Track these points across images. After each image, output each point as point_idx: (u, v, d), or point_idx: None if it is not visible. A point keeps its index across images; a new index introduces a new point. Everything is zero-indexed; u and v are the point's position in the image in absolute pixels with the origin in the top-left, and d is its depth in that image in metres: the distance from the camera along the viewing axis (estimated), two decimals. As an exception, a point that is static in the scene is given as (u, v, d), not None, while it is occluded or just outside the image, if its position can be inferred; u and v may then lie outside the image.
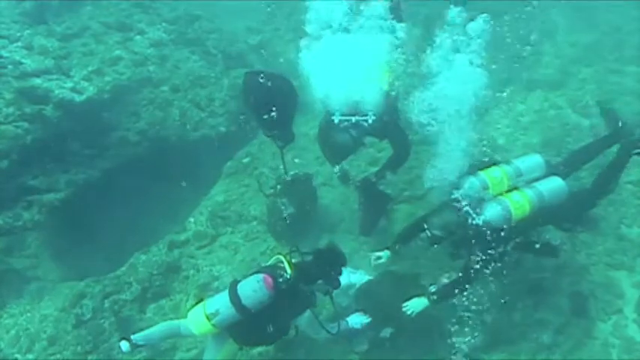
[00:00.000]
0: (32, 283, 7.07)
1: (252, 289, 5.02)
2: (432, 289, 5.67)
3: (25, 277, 7.13)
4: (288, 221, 7.02)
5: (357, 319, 5.75)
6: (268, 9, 8.49)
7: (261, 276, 5.10)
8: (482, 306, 6.39)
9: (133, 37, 8.34)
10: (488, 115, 9.31)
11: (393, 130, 6.22)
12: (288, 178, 7.19)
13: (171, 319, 6.40)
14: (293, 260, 5.36)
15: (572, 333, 6.20)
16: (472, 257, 5.41)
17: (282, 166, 6.99)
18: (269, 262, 5.53)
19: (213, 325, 5.02)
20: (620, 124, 6.05)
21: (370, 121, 5.78)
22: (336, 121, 5.80)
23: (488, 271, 5.60)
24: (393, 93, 5.97)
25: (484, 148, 5.94)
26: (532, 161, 5.67)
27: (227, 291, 5.14)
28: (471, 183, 5.36)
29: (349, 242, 7.32)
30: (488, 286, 6.55)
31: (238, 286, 5.10)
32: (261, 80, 5.97)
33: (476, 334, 6.16)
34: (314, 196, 7.51)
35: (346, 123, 5.79)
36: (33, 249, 8.00)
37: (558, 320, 6.29)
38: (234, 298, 5.00)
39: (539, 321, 6.30)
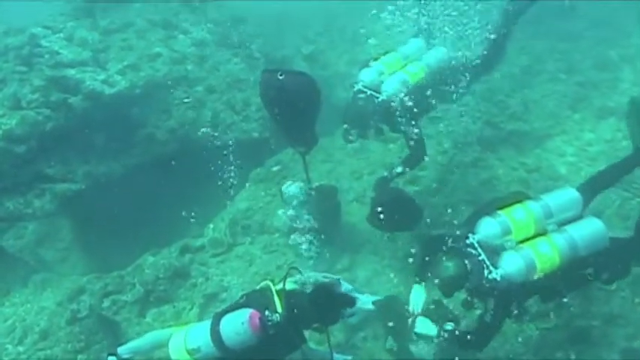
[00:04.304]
0: (39, 274, 6.91)
1: (236, 331, 4.42)
2: (448, 327, 4.85)
3: (32, 267, 6.99)
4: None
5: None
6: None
7: (246, 316, 4.46)
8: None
9: (177, 35, 8.27)
10: (550, 141, 8.37)
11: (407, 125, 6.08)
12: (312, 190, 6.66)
13: (169, 326, 6.04)
14: (288, 285, 4.76)
15: (619, 394, 5.20)
16: (487, 312, 4.57)
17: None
18: (259, 286, 4.94)
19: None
20: None
21: (380, 99, 5.99)
22: (355, 88, 6.14)
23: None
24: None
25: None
26: (566, 198, 4.66)
27: (209, 325, 4.62)
28: (490, 227, 4.46)
29: (371, 264, 6.74)
30: (523, 329, 5.76)
31: (221, 324, 4.51)
32: (279, 78, 5.53)
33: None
34: (338, 211, 6.92)
35: (361, 95, 6.08)
36: (66, 242, 8.03)
37: (603, 377, 5.33)
38: (216, 338, 4.45)
39: (580, 374, 5.37)
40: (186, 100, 7.77)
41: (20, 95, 6.65)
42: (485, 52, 6.64)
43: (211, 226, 7.43)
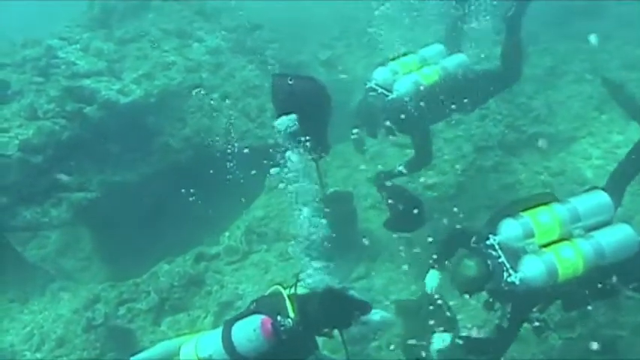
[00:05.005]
0: (56, 282, 6.98)
1: (248, 338, 4.32)
2: (463, 332, 4.70)
3: (51, 276, 7.07)
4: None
5: None
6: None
7: (258, 322, 4.36)
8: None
9: (191, 44, 8.32)
10: (576, 143, 8.08)
11: (414, 127, 6.04)
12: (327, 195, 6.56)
13: (183, 334, 6.01)
14: (299, 291, 4.66)
15: (648, 408, 4.93)
16: (505, 318, 4.40)
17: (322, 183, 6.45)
18: (268, 292, 4.85)
19: None
20: None
21: (389, 98, 5.97)
22: (367, 85, 6.15)
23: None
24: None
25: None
26: (595, 202, 4.40)
27: (220, 332, 4.55)
28: (512, 228, 4.26)
29: (388, 272, 6.61)
30: (545, 339, 5.52)
31: (233, 331, 4.44)
32: (289, 83, 5.48)
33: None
34: (354, 218, 6.80)
35: (373, 93, 6.07)
36: (87, 252, 8.15)
37: (631, 390, 5.06)
38: (228, 346, 4.37)
39: (606, 387, 5.10)
40: (212, 102, 7.78)
41: (37, 105, 6.77)
42: (500, 65, 6.48)
43: (227, 233, 7.38)
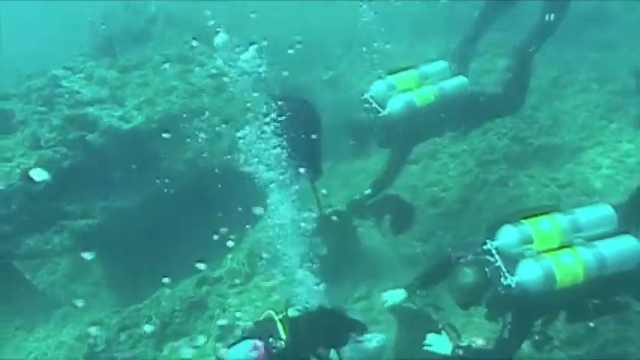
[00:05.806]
0: (60, 309, 7.03)
1: None
2: (463, 343, 4.58)
3: (57, 302, 7.13)
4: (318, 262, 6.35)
5: None
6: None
7: (251, 346, 4.39)
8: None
9: (193, 68, 8.39)
10: (584, 153, 7.90)
11: (397, 146, 6.14)
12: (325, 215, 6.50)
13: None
14: (290, 314, 4.62)
15: None
16: (506, 327, 4.28)
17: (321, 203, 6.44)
18: (262, 317, 4.83)
19: None
20: None
21: (380, 114, 6.00)
22: (362, 96, 6.20)
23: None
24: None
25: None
26: (598, 213, 4.28)
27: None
28: (510, 234, 4.19)
29: (390, 292, 6.44)
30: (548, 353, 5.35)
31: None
32: (279, 104, 5.48)
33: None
34: (353, 237, 6.73)
35: (367, 105, 6.13)
36: (95, 277, 8.23)
37: (642, 409, 4.87)
38: None
39: (616, 406, 4.92)
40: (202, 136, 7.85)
41: (39, 134, 6.90)
42: (502, 94, 6.38)
43: (230, 256, 7.36)
